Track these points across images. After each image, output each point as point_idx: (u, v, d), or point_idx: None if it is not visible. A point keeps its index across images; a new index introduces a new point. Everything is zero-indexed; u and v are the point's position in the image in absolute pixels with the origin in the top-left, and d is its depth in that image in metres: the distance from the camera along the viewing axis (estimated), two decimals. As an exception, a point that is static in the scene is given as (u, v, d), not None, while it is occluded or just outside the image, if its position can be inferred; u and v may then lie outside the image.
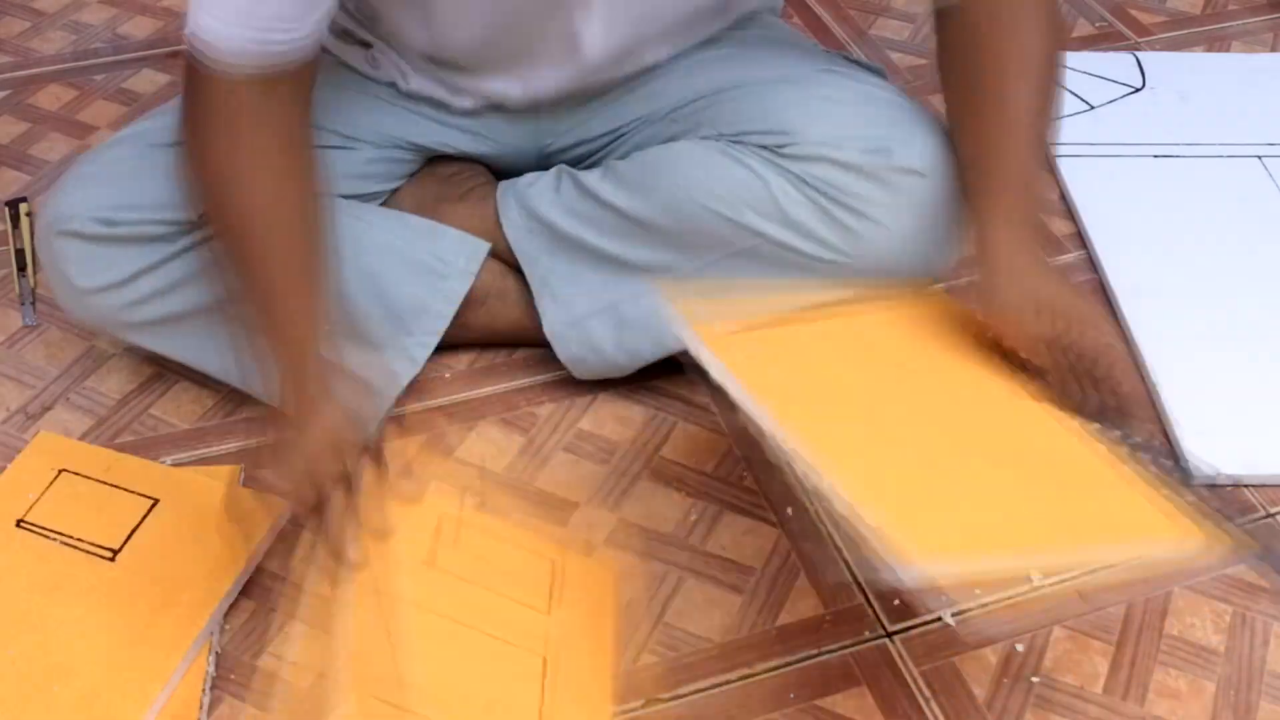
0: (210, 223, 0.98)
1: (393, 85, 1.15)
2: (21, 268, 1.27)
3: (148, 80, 1.57)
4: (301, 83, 0.97)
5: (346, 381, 0.92)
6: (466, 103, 1.14)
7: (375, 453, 0.89)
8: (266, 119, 0.94)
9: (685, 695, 0.94)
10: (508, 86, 1.12)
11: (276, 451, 0.89)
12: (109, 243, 1.03)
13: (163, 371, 1.18)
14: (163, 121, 1.09)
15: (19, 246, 1.30)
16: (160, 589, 0.96)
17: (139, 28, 1.67)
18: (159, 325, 1.08)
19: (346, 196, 1.12)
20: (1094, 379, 0.90)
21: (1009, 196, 0.96)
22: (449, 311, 1.12)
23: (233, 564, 0.99)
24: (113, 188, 1.04)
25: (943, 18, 1.03)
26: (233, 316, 1.00)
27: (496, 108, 1.15)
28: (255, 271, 0.93)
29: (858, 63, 1.16)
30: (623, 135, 1.15)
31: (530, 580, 0.95)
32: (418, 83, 1.14)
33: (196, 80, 0.94)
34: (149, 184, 1.04)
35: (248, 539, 1.00)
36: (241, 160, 0.94)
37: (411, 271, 1.10)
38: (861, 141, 1.01)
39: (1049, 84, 1.00)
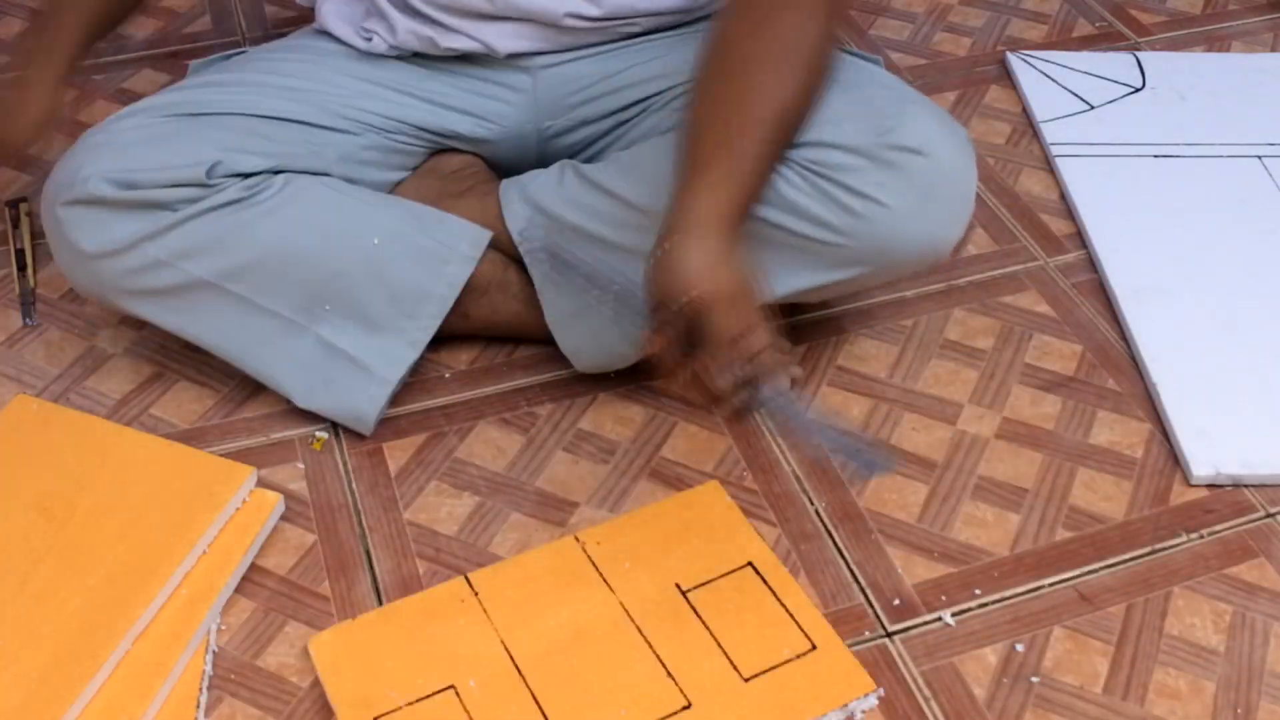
0: None
1: (384, 58, 1.17)
2: (21, 268, 1.27)
3: (148, 80, 1.58)
4: None
5: None
6: (454, 41, 1.15)
7: None
8: None
9: (685, 695, 0.94)
10: (481, 27, 1.13)
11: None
12: (120, 207, 1.04)
13: (163, 371, 1.18)
14: (174, 96, 1.11)
15: (19, 247, 1.30)
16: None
17: (139, 28, 1.67)
18: (160, 296, 1.08)
19: (353, 182, 1.13)
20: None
21: (713, 168, 0.91)
22: (450, 296, 1.12)
23: (227, 560, 0.99)
24: (128, 152, 1.05)
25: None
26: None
27: (485, 58, 1.16)
28: None
29: (854, 53, 1.16)
30: (625, 122, 1.16)
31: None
32: (405, 30, 1.15)
33: None
34: (163, 150, 1.06)
35: (244, 533, 1.01)
36: None
37: (414, 256, 1.11)
38: (858, 122, 1.01)
39: (803, 75, 0.95)
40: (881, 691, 0.93)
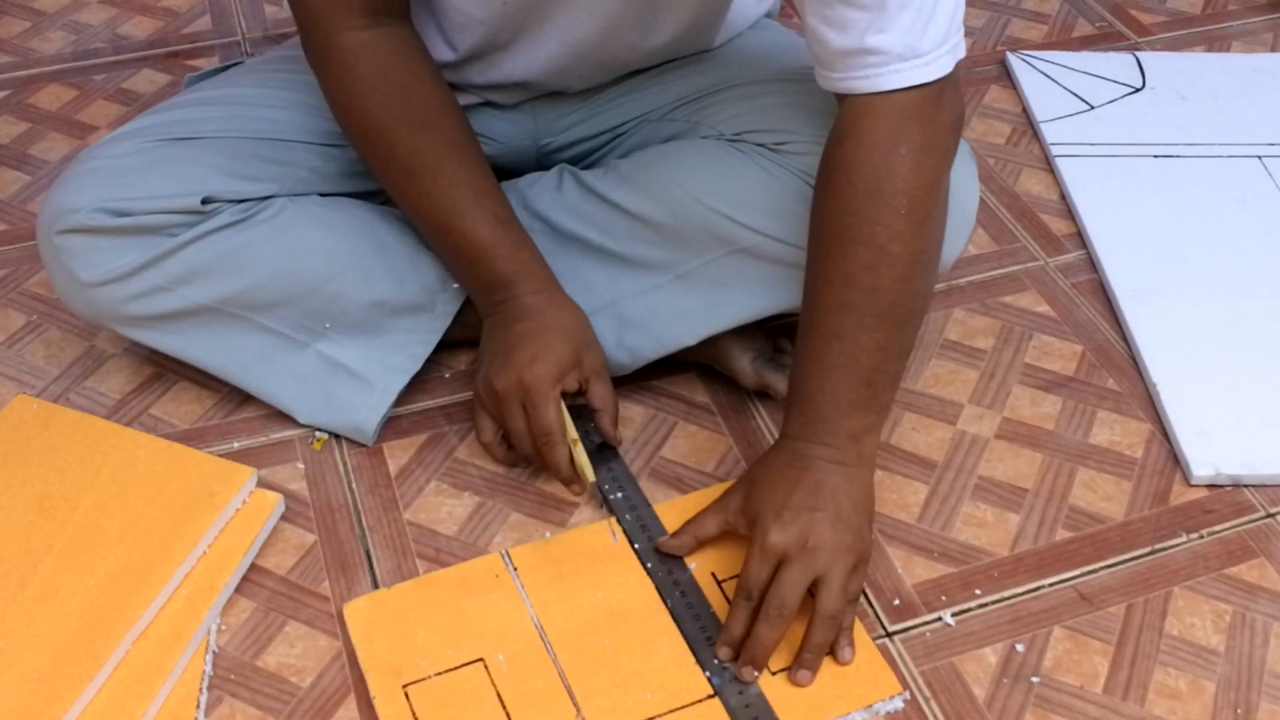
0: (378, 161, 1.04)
1: None
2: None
3: (148, 80, 1.58)
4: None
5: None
6: (462, 100, 1.14)
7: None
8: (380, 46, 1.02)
9: (685, 695, 0.94)
10: (489, 91, 1.14)
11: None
12: (116, 234, 1.03)
13: (163, 371, 1.18)
14: (165, 117, 1.09)
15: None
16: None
17: (139, 28, 1.67)
18: (161, 321, 1.07)
19: (349, 195, 1.12)
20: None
21: (817, 420, 0.95)
22: (450, 312, 1.12)
23: (227, 560, 0.99)
24: (122, 180, 1.03)
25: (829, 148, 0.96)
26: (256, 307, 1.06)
27: (492, 104, 1.16)
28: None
29: None
30: (621, 134, 1.16)
31: None
32: None
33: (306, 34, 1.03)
34: (156, 177, 1.04)
35: (244, 533, 1.01)
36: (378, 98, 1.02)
37: (414, 269, 1.10)
38: None
39: (904, 279, 0.93)
40: (907, 695, 0.93)
